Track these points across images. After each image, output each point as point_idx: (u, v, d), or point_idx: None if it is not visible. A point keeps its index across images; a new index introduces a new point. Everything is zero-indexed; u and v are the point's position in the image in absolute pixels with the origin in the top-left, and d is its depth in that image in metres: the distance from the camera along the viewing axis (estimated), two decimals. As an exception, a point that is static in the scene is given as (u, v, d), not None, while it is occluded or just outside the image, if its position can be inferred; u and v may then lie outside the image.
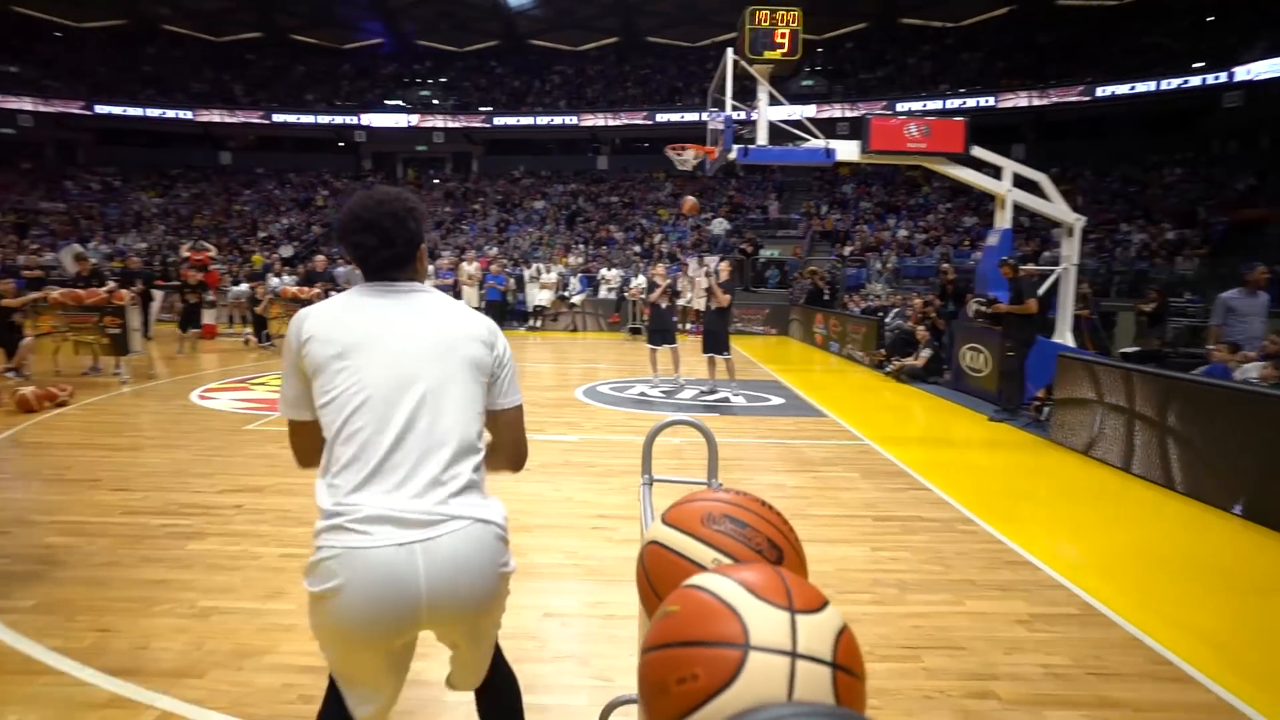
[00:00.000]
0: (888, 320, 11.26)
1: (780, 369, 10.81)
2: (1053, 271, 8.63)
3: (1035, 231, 18.08)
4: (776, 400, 8.14)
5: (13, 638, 2.73)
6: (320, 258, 13.70)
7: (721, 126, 8.34)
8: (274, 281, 13.55)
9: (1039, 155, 22.13)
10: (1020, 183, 8.61)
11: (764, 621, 0.73)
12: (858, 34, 28.53)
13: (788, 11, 7.76)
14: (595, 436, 6.23)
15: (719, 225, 22.12)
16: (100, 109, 25.96)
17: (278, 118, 27.38)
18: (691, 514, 0.99)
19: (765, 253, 20.18)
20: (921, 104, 23.66)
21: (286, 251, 21.32)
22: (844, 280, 16.38)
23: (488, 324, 1.51)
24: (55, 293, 8.13)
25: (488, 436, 1.53)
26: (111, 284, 8.99)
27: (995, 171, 8.60)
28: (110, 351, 8.04)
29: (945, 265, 11.47)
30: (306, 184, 28.16)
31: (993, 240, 8.63)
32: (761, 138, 8.31)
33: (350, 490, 1.32)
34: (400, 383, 1.38)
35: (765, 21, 7.85)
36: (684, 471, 5.12)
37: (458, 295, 16.62)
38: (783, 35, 7.89)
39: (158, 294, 13.08)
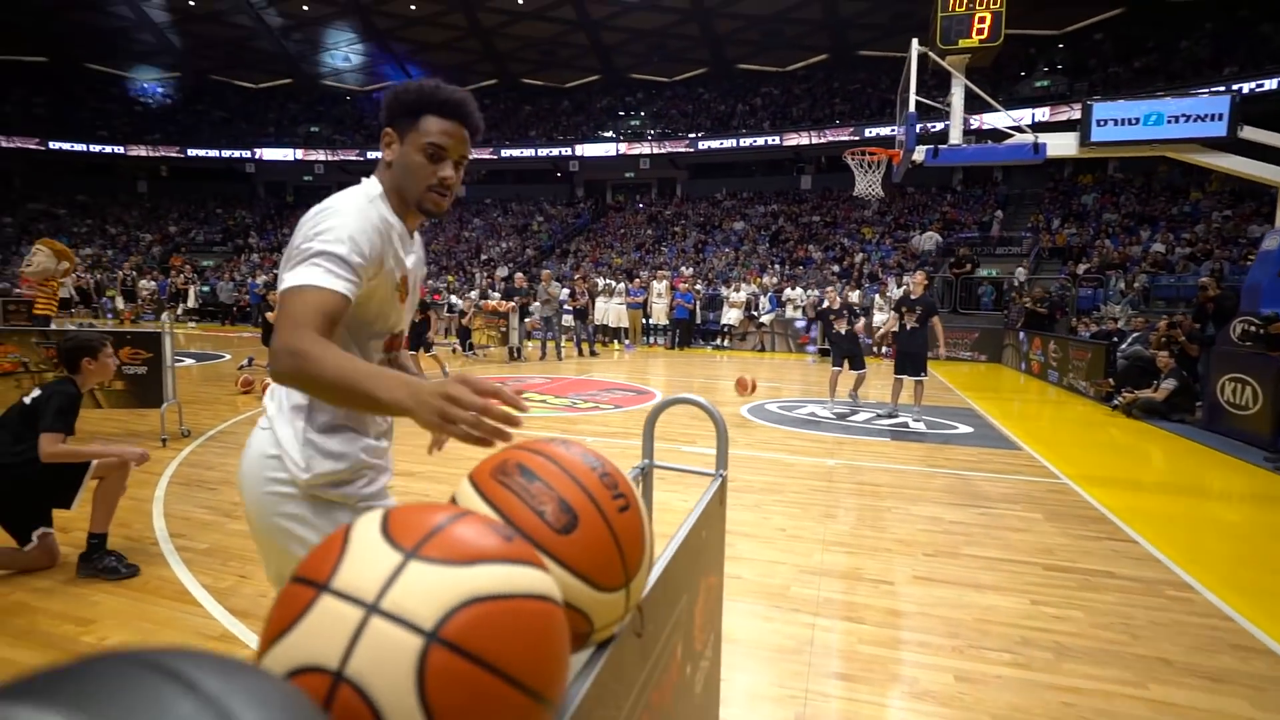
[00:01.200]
0: (1123, 346, 9.43)
1: (978, 396, 9.55)
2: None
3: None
4: (964, 429, 7.17)
5: (181, 571, 3.20)
6: (520, 275, 14.92)
7: (906, 130, 7.65)
8: (474, 294, 15.00)
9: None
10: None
11: (363, 560, 0.55)
12: (1109, 22, 24.89)
13: (991, -8, 6.94)
14: (744, 453, 5.93)
15: (929, 240, 20.41)
16: (370, 155, 30.93)
17: (505, 153, 30.55)
18: (487, 464, 0.79)
19: (984, 272, 18.15)
20: (1192, 95, 19.85)
21: (502, 272, 23.53)
22: (1074, 301, 14.14)
23: None
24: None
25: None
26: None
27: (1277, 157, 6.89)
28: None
29: (1205, 280, 9.36)
30: (525, 211, 31.00)
31: (1270, 244, 6.86)
32: (955, 136, 7.49)
33: None
34: None
35: (962, 6, 7.08)
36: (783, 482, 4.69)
37: (647, 313, 17.20)
38: (982, 20, 7.06)
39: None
